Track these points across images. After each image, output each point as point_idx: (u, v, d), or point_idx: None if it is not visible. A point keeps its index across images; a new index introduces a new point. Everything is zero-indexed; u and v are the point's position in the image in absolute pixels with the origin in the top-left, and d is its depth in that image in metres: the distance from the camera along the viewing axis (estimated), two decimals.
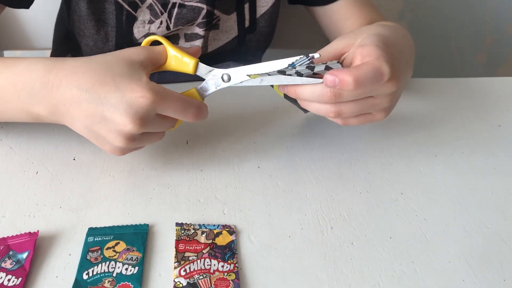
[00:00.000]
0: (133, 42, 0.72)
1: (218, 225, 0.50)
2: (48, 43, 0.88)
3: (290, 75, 0.49)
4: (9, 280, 0.43)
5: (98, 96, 0.47)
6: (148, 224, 0.49)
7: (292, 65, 0.49)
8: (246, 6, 0.74)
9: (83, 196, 0.52)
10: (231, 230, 0.49)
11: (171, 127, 0.52)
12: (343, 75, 0.46)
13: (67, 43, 0.81)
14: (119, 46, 0.71)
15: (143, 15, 0.69)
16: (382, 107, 0.52)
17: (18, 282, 0.43)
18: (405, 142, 0.63)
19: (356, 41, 0.52)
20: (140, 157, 0.58)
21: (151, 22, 0.70)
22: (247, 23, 0.76)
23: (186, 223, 0.50)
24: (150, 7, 0.69)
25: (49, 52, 0.89)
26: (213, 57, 0.76)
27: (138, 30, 0.70)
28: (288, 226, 0.51)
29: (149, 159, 0.58)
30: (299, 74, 0.49)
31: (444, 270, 0.47)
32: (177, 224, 0.49)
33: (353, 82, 0.46)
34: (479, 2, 1.48)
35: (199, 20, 0.71)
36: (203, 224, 0.50)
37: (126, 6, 0.68)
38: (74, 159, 0.57)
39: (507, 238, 0.51)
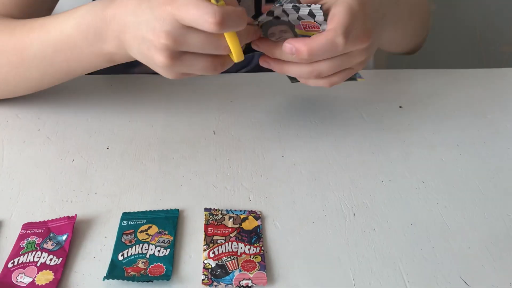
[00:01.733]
0: None
1: (245, 210, 0.52)
2: None
3: (278, 16, 0.51)
4: (51, 259, 0.46)
5: (137, 16, 0.48)
6: (178, 209, 0.52)
7: (279, 3, 0.50)
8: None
9: (117, 183, 0.55)
10: (257, 216, 0.52)
11: (215, 49, 0.48)
12: (299, 45, 0.49)
13: None
14: None
15: None
16: (358, 61, 0.53)
17: (59, 262, 0.46)
18: (427, 131, 0.64)
19: None
20: (170, 147, 0.60)
21: None
22: None
23: (214, 209, 0.52)
24: None
25: None
26: None
27: None
28: (311, 212, 0.53)
29: (178, 148, 0.60)
30: (285, 13, 0.51)
31: (464, 256, 0.49)
32: (205, 209, 0.52)
33: (307, 53, 0.49)
34: None
35: None
36: (230, 210, 0.52)
37: None
38: (107, 148, 0.60)
39: None
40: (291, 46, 0.50)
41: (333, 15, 0.49)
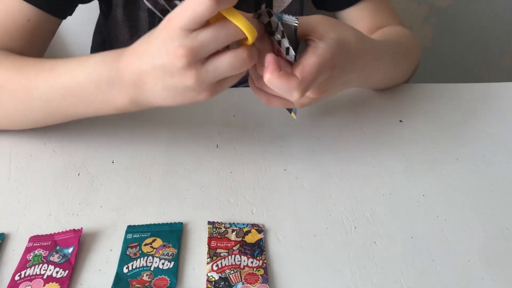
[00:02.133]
0: None
1: (247, 224, 0.53)
2: (86, 52, 0.93)
3: (271, 24, 0.50)
4: (57, 272, 0.47)
5: (149, 51, 0.49)
6: (182, 222, 0.53)
7: (280, 17, 0.49)
8: (263, 6, 0.76)
9: (121, 196, 0.56)
10: (260, 229, 0.52)
11: (228, 37, 0.48)
12: (269, 68, 0.48)
13: (103, 51, 0.86)
14: None
15: None
16: (301, 102, 0.55)
17: (65, 274, 0.47)
18: (427, 145, 0.65)
19: (322, 36, 0.52)
20: (174, 160, 0.61)
21: None
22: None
23: (217, 222, 0.53)
24: None
25: None
26: None
27: None
28: (313, 225, 0.54)
29: (182, 162, 0.61)
30: (276, 28, 0.49)
31: (463, 269, 0.49)
32: (209, 222, 0.53)
33: (267, 79, 0.49)
34: (504, 3, 1.48)
35: None
36: (233, 223, 0.53)
37: (158, 14, 0.72)
38: (112, 162, 0.61)
39: None
40: (267, 61, 0.49)
41: (305, 60, 0.49)
